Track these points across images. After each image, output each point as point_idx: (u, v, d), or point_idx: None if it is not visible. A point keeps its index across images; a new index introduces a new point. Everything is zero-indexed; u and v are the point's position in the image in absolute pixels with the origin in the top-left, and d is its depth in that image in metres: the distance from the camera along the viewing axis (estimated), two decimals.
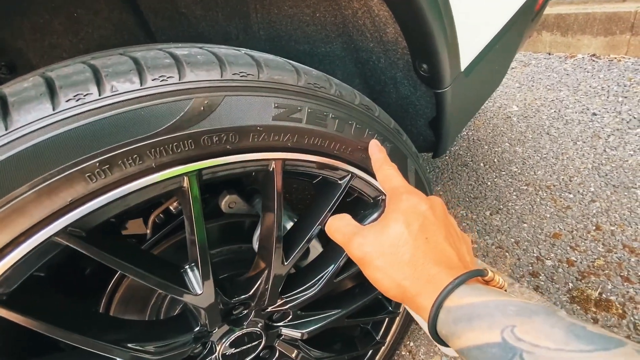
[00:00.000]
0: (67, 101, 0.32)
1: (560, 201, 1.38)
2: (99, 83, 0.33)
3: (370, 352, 0.89)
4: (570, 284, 1.11)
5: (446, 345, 0.35)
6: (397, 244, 0.39)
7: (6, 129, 0.30)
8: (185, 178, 0.39)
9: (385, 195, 0.62)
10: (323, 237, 0.75)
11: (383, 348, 0.89)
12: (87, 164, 0.33)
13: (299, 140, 0.45)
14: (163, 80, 0.35)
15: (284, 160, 0.46)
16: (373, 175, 0.57)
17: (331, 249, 0.66)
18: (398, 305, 0.84)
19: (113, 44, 0.72)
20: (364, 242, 0.41)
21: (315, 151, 0.48)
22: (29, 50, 0.67)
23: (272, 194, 0.48)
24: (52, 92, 0.32)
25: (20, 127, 0.30)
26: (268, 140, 0.43)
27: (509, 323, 0.28)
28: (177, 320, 0.56)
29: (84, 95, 0.32)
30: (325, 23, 0.75)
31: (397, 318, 0.86)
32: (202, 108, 0.37)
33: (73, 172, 0.32)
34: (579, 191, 1.40)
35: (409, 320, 0.90)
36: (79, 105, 0.32)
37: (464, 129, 1.88)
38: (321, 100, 0.46)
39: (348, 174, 0.54)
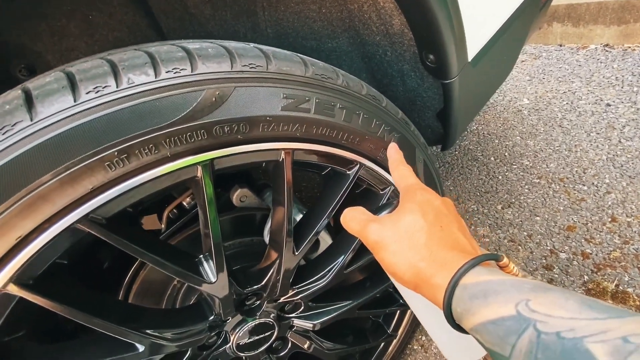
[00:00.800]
0: (87, 93, 0.33)
1: (574, 193, 1.36)
2: (116, 76, 0.35)
3: (382, 345, 0.89)
4: (586, 277, 1.09)
5: (459, 329, 0.35)
6: (413, 229, 0.40)
7: (31, 120, 0.32)
8: (198, 168, 0.41)
9: (394, 186, 0.63)
10: (332, 229, 0.76)
11: (395, 341, 0.89)
12: (107, 153, 0.34)
13: (307, 130, 0.46)
14: (176, 72, 0.37)
15: (293, 150, 0.47)
16: (381, 165, 0.58)
17: (341, 240, 0.66)
18: None
19: (127, 45, 0.74)
20: (380, 227, 0.42)
21: (323, 141, 0.49)
22: (47, 53, 0.70)
23: (282, 183, 0.49)
24: (73, 85, 0.34)
25: (45, 118, 0.32)
26: (277, 130, 0.44)
27: (523, 297, 0.28)
28: (192, 309, 0.57)
29: (103, 88, 0.34)
30: (331, 18, 0.76)
31: (409, 311, 0.87)
32: (213, 99, 0.39)
33: (93, 161, 0.34)
34: (593, 183, 1.38)
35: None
36: (98, 97, 0.33)
37: (473, 123, 1.86)
38: (329, 90, 0.47)
39: (356, 164, 0.55)
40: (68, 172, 0.33)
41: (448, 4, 0.57)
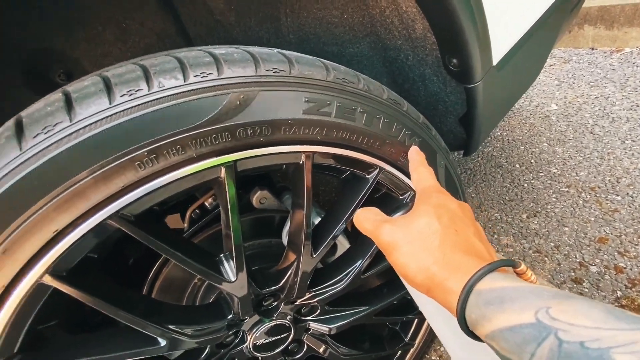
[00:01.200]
0: (121, 96, 0.35)
1: (607, 204, 1.29)
2: (148, 80, 0.36)
3: (399, 353, 0.87)
4: (619, 292, 1.03)
5: (473, 337, 0.34)
6: (427, 232, 0.39)
7: (71, 121, 0.34)
8: (222, 169, 0.42)
9: (414, 191, 0.62)
10: (350, 234, 0.76)
11: (412, 350, 0.87)
12: (137, 153, 0.36)
13: (328, 134, 0.47)
14: (203, 76, 0.38)
15: (313, 153, 0.48)
16: (401, 170, 0.58)
17: (359, 245, 0.66)
18: None
19: (157, 51, 0.78)
20: (393, 228, 0.41)
21: (344, 145, 0.49)
22: (84, 59, 0.74)
23: (302, 186, 0.50)
24: (108, 88, 0.36)
25: (83, 119, 0.34)
26: (298, 133, 0.45)
27: (543, 305, 0.27)
28: (212, 307, 0.59)
29: (136, 91, 0.36)
30: (353, 23, 0.77)
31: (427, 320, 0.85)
32: (238, 102, 0.40)
33: (125, 161, 0.36)
34: (628, 193, 1.30)
35: None
36: (132, 99, 0.35)
37: (497, 129, 1.81)
38: (349, 94, 0.48)
39: (376, 168, 0.55)
40: (102, 170, 0.35)
41: (473, 7, 0.57)
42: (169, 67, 0.38)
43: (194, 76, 0.38)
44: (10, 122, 0.36)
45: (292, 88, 0.43)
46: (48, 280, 0.38)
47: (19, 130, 0.34)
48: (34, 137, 0.33)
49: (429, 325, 0.86)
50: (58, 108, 0.35)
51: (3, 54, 0.65)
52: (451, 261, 0.36)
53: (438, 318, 0.51)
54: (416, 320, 0.85)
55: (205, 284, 0.67)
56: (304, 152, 0.47)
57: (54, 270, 0.38)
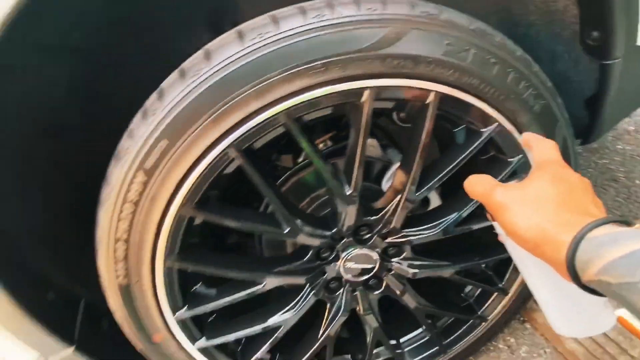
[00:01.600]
0: (312, 17, 0.47)
1: None
2: (331, 7, 0.47)
3: (469, 325, 0.88)
4: None
5: (580, 285, 0.35)
6: (542, 196, 0.40)
7: (277, 31, 0.46)
8: (367, 92, 0.51)
9: (525, 156, 0.63)
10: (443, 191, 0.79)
11: (483, 325, 0.88)
12: (314, 64, 0.47)
13: (460, 78, 0.53)
14: (371, 10, 0.48)
15: (443, 94, 0.54)
16: (518, 129, 0.60)
17: (456, 199, 0.70)
18: (509, 284, 0.82)
19: None
20: (506, 191, 0.43)
21: (471, 92, 0.55)
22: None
23: (422, 125, 0.56)
24: (303, 12, 0.47)
25: (285, 31, 0.46)
26: (435, 71, 0.51)
27: None
28: (322, 218, 0.70)
29: (322, 15, 0.47)
30: None
31: (505, 299, 0.84)
32: (393, 35, 0.48)
33: (306, 68, 0.47)
34: None
35: (512, 312, 0.88)
36: (319, 21, 0.46)
37: (619, 142, 1.60)
38: (487, 44, 0.52)
39: (494, 123, 0.59)
40: (290, 72, 0.47)
41: None
42: (346, 1, 0.48)
43: (366, 9, 0.47)
44: (232, 31, 0.50)
45: (438, 30, 0.50)
46: (232, 151, 0.52)
47: (240, 35, 0.48)
48: (251, 39, 0.47)
49: (505, 305, 0.85)
50: (267, 22, 0.48)
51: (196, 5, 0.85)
52: (566, 219, 0.37)
53: (540, 279, 0.52)
54: (494, 296, 0.85)
55: (313, 206, 0.78)
56: (435, 90, 0.53)
57: (237, 145, 0.51)
